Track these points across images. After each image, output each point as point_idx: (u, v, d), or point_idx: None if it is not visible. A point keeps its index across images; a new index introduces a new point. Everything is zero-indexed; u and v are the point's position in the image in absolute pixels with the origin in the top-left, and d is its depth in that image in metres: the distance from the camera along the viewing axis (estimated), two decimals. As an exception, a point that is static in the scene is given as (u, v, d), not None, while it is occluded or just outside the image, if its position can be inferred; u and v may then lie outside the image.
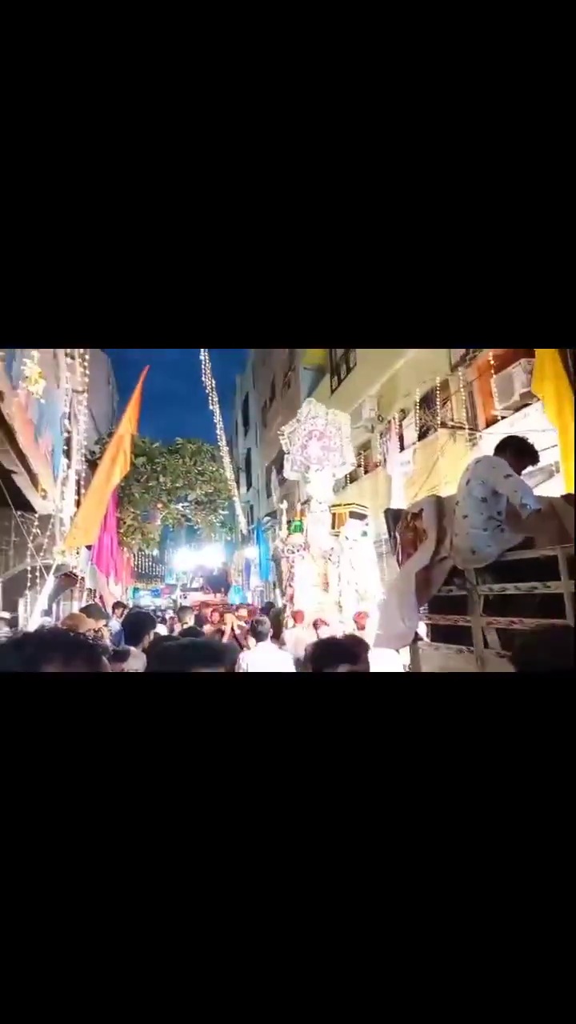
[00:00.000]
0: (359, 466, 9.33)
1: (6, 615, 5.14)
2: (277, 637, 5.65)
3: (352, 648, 1.54)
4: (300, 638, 5.07)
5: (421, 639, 2.79)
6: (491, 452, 2.50)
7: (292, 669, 3.98)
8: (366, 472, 9.56)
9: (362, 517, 6.97)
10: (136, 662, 2.43)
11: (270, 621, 5.84)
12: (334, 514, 6.83)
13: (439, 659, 2.56)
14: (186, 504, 12.74)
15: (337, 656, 1.47)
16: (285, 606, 6.38)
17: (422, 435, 7.96)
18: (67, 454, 6.98)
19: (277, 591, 7.61)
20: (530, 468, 2.45)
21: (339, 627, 5.61)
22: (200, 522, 12.92)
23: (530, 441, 2.50)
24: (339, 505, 7.05)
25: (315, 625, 4.78)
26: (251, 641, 3.98)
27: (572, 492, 3.44)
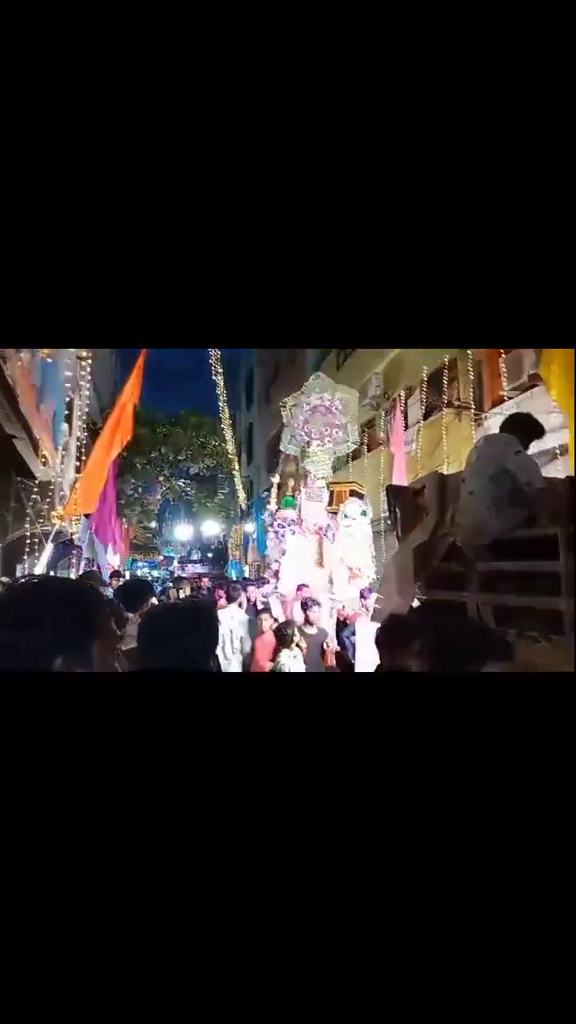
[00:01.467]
0: (362, 444, 9.27)
1: (5, 579, 5.17)
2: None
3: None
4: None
5: (417, 614, 2.82)
6: (497, 431, 2.48)
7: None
8: (369, 450, 9.52)
9: (360, 496, 6.95)
10: (133, 628, 2.46)
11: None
12: (332, 491, 6.77)
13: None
14: (187, 481, 12.69)
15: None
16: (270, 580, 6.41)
17: (427, 414, 7.90)
18: (68, 420, 6.93)
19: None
20: (535, 447, 2.44)
21: (328, 602, 5.66)
22: (200, 501, 12.89)
23: (534, 416, 2.49)
24: (340, 483, 7.01)
25: (304, 605, 4.74)
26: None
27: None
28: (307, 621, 4.34)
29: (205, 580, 6.76)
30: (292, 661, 3.79)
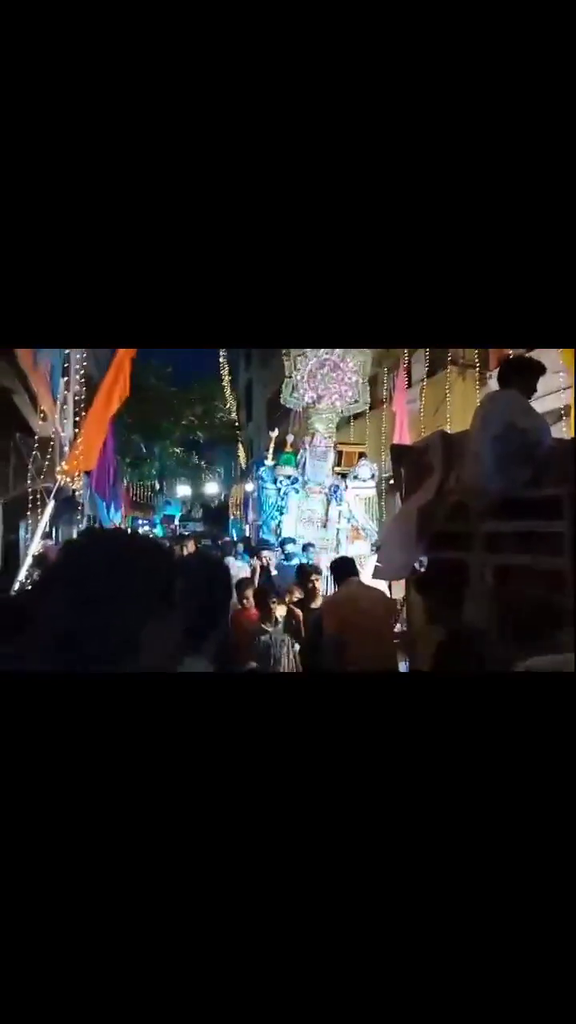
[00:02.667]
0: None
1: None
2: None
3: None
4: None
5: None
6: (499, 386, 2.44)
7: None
8: (371, 409, 9.38)
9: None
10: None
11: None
12: (341, 451, 6.65)
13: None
14: (189, 450, 12.64)
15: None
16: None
17: (431, 372, 7.75)
18: (66, 375, 6.81)
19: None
20: (539, 406, 2.40)
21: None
22: (202, 464, 12.91)
23: (527, 356, 2.45)
24: (349, 444, 6.88)
25: (302, 573, 4.16)
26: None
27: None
28: (309, 595, 3.66)
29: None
30: (272, 646, 3.12)
